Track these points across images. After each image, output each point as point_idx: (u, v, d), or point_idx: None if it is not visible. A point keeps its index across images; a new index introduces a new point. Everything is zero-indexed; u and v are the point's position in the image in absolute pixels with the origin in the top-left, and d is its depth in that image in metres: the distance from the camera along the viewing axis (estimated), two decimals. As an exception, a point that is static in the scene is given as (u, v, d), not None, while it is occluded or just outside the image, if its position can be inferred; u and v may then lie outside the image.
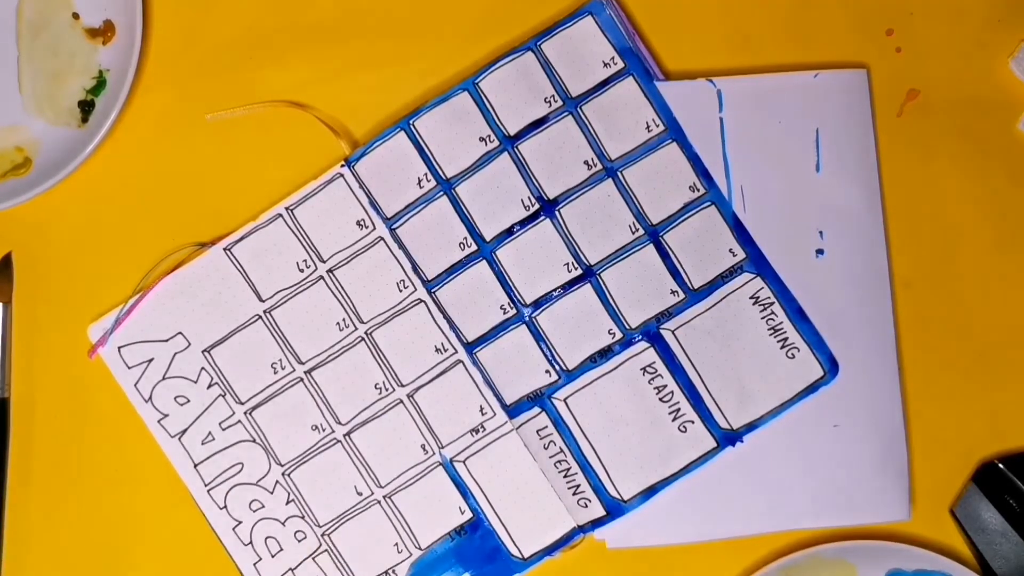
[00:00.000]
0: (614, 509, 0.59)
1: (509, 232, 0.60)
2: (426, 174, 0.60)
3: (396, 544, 0.60)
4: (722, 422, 0.59)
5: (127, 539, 0.61)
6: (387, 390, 0.60)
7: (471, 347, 0.60)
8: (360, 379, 0.60)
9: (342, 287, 0.60)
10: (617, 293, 0.59)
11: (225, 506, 0.60)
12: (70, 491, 0.61)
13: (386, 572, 0.60)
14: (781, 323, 0.59)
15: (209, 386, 0.60)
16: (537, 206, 0.59)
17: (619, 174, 0.59)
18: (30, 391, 0.61)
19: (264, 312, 0.60)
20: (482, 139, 0.60)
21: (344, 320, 0.60)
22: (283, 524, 0.60)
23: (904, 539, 0.58)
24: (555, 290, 0.59)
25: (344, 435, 0.60)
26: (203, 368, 0.60)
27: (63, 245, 0.61)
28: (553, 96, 0.60)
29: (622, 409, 0.59)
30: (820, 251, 0.58)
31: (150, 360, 0.60)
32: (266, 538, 0.60)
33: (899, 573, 0.57)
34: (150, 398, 0.60)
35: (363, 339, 0.60)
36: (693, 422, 0.59)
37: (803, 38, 0.60)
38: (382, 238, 0.60)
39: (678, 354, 0.59)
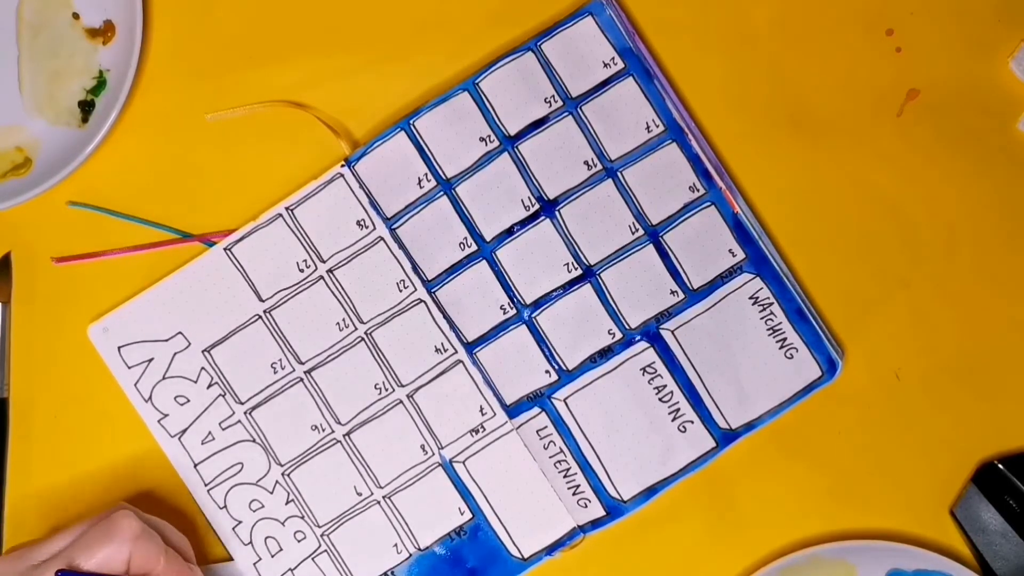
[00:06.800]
0: (614, 509, 0.59)
1: (509, 232, 0.60)
2: (426, 174, 0.60)
3: (396, 544, 0.60)
4: (721, 422, 0.59)
5: (127, 539, 0.61)
6: (387, 390, 0.60)
7: (471, 347, 0.60)
8: (360, 379, 0.60)
9: (342, 287, 0.60)
10: (617, 293, 0.59)
11: (225, 506, 0.60)
12: (70, 491, 0.61)
13: (386, 573, 0.60)
14: (780, 323, 0.59)
15: (209, 386, 0.60)
16: (537, 206, 0.59)
17: (619, 174, 0.59)
18: (30, 391, 0.61)
19: (264, 312, 0.60)
20: (482, 139, 0.60)
21: (344, 320, 0.60)
22: (283, 524, 0.60)
23: (904, 539, 0.58)
24: (555, 290, 0.59)
25: (344, 435, 0.60)
26: (203, 368, 0.60)
27: (63, 245, 0.61)
28: (553, 96, 0.59)
29: (622, 409, 0.59)
30: None
31: (150, 360, 0.60)
32: (266, 538, 0.60)
33: (899, 573, 0.57)
34: (150, 398, 0.60)
35: (363, 339, 0.60)
36: (693, 422, 0.59)
37: (803, 38, 0.60)
38: (382, 238, 0.60)
39: (678, 354, 0.59)
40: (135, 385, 0.60)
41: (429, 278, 0.60)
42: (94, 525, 0.53)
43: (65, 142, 0.61)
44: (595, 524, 0.59)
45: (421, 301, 0.60)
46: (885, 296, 0.59)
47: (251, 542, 0.60)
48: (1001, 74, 0.59)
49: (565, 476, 0.59)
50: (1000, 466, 0.57)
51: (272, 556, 0.60)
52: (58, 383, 0.61)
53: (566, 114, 0.59)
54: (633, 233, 0.59)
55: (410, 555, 0.60)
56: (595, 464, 0.59)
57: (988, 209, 0.59)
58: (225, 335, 0.60)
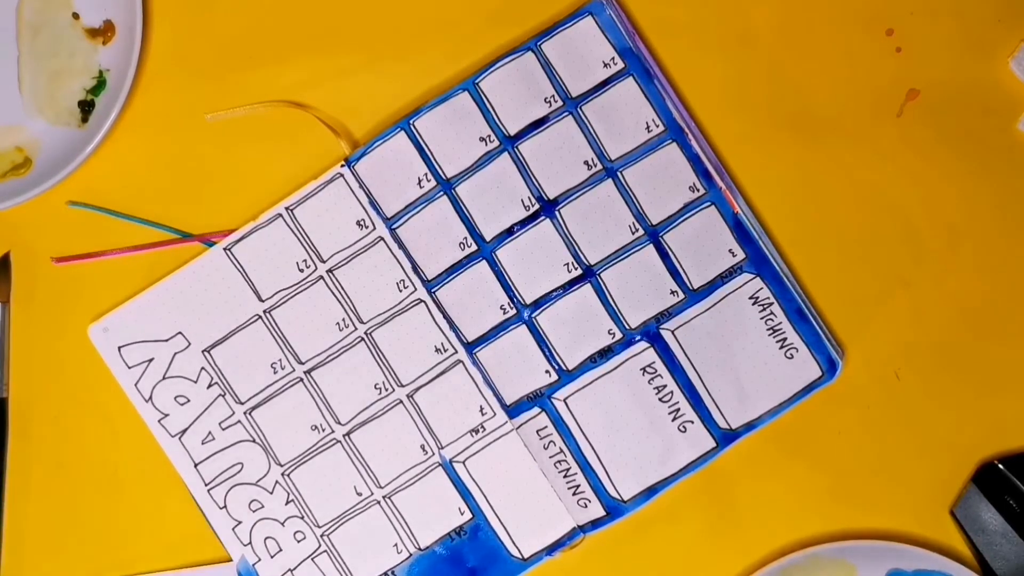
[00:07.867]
0: (614, 509, 0.59)
1: (509, 232, 0.60)
2: (426, 174, 0.60)
3: (396, 544, 0.60)
4: (721, 422, 0.59)
5: (127, 539, 0.61)
6: (387, 390, 0.60)
7: (471, 347, 0.60)
8: (360, 379, 0.60)
9: (342, 287, 0.60)
10: (617, 293, 0.59)
11: (225, 506, 0.60)
12: (70, 491, 0.61)
13: (385, 573, 0.60)
14: (780, 323, 0.59)
15: (209, 386, 0.60)
16: (537, 206, 0.59)
17: (619, 174, 0.59)
18: (30, 391, 0.61)
19: (264, 312, 0.60)
20: (482, 139, 0.60)
21: (344, 320, 0.60)
22: (283, 524, 0.60)
23: (904, 539, 0.58)
24: (555, 290, 0.59)
25: (344, 435, 0.60)
26: (203, 368, 0.60)
27: (63, 245, 0.61)
28: (553, 96, 0.60)
29: (622, 409, 0.59)
30: None
31: (150, 360, 0.60)
32: (265, 538, 0.60)
33: (899, 573, 0.57)
34: (150, 398, 0.60)
35: (363, 339, 0.60)
36: (693, 422, 0.59)
37: (803, 38, 0.60)
38: (382, 238, 0.60)
39: (678, 354, 0.59)
40: (135, 385, 0.60)
41: (429, 278, 0.60)
42: None
43: (65, 142, 0.61)
44: (595, 524, 0.59)
45: (421, 301, 0.60)
46: (885, 296, 0.59)
47: (251, 542, 0.60)
48: (1001, 74, 0.59)
49: (565, 476, 0.59)
50: (1000, 466, 0.57)
51: (272, 556, 0.60)
52: (58, 383, 0.61)
53: (566, 114, 0.59)
54: (633, 233, 0.59)
55: (410, 555, 0.60)
56: (595, 464, 0.59)
57: (988, 209, 0.59)
58: (225, 335, 0.60)
